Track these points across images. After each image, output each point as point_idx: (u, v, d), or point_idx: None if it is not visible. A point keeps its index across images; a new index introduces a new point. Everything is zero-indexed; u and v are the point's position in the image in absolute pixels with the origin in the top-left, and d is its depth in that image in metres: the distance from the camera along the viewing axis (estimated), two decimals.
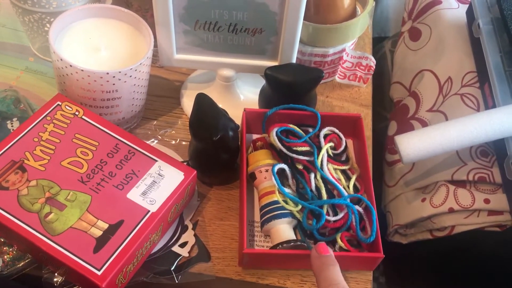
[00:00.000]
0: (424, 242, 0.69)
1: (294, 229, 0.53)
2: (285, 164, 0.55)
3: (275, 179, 0.53)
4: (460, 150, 0.64)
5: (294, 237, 0.52)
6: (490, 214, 0.61)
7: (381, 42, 0.98)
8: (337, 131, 0.58)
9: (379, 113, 0.87)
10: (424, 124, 0.72)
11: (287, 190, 0.53)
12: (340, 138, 0.58)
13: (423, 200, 0.66)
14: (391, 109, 0.84)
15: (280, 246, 0.50)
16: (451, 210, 0.62)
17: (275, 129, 0.56)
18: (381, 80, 0.89)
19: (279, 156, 0.55)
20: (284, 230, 0.52)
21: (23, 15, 0.61)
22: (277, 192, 0.53)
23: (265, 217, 0.53)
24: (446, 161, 0.67)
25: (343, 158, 0.58)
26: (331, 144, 0.57)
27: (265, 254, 0.51)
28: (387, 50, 0.96)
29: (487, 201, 0.61)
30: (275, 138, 0.55)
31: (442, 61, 0.73)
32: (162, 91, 0.67)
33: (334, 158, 0.57)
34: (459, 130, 0.60)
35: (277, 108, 0.57)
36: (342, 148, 0.58)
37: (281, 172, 0.55)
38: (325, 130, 0.58)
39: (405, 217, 0.69)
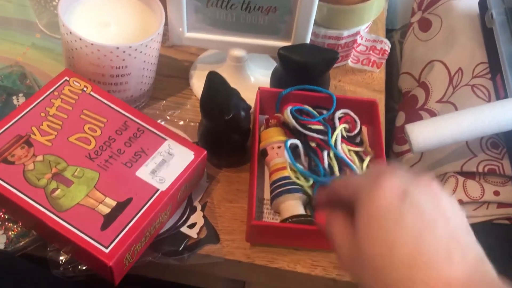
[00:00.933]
0: None
1: (305, 206, 0.52)
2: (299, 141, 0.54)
3: (288, 153, 0.52)
4: (470, 141, 0.63)
5: (304, 213, 0.51)
6: (499, 207, 0.60)
7: (390, 33, 0.97)
8: (352, 113, 0.57)
9: (387, 103, 0.86)
10: (433, 115, 0.71)
11: (300, 167, 0.52)
12: (355, 121, 0.57)
13: None
14: (399, 100, 0.83)
15: (289, 220, 0.49)
16: (460, 202, 0.62)
17: (289, 107, 0.54)
18: (389, 70, 0.88)
19: (292, 133, 0.54)
20: (293, 205, 0.51)
21: None
22: (288, 168, 0.52)
23: (275, 192, 0.52)
24: (456, 152, 0.66)
25: (357, 141, 0.57)
26: (346, 125, 0.56)
27: (273, 227, 0.50)
28: (396, 41, 0.95)
29: (496, 193, 0.60)
30: (289, 115, 0.53)
31: (453, 52, 0.73)
32: (171, 71, 0.65)
33: (348, 140, 0.55)
34: (471, 119, 0.59)
35: (292, 88, 0.56)
36: (357, 131, 0.56)
37: (294, 149, 0.54)
38: (339, 112, 0.56)
39: None
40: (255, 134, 0.55)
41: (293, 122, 0.53)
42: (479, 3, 0.72)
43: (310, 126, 0.54)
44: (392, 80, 0.86)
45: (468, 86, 0.67)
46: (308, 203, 0.52)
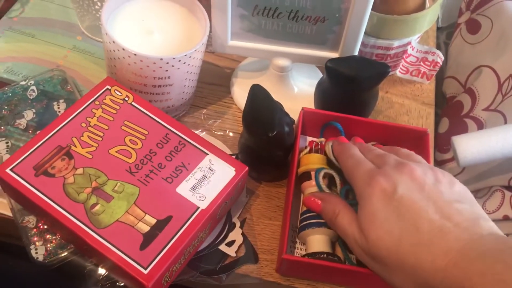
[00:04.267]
0: None
1: (333, 242, 0.49)
2: (336, 172, 0.50)
3: (316, 180, 0.49)
4: None
5: (330, 251, 0.47)
6: None
7: None
8: None
9: None
10: (479, 123, 0.68)
11: None
12: None
13: None
14: (443, 105, 0.80)
15: (316, 256, 0.46)
16: (505, 218, 0.59)
17: (333, 141, 0.51)
18: None
19: (333, 164, 0.51)
20: (320, 240, 0.47)
21: None
22: None
23: (304, 223, 0.49)
24: (503, 165, 0.63)
25: None
26: None
27: (306, 263, 0.46)
28: (441, 42, 0.91)
29: None
30: (330, 149, 0.50)
31: (504, 58, 0.69)
32: (212, 78, 0.63)
33: None
34: None
35: (336, 124, 0.53)
36: None
37: (330, 179, 0.51)
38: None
39: None
40: (294, 157, 0.52)
41: (334, 159, 0.50)
42: None
43: None
44: (436, 84, 0.83)
45: None
46: (339, 241, 0.49)
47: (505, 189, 0.61)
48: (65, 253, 0.48)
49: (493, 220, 0.58)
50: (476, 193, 0.64)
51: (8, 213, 0.51)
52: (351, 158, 0.45)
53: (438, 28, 0.95)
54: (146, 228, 0.44)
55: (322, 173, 0.49)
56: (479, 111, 0.69)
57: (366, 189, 0.41)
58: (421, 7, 0.59)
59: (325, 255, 0.46)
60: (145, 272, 0.42)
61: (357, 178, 0.43)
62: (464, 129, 0.70)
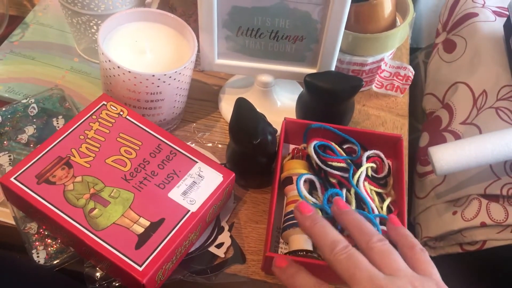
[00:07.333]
0: (454, 256, 0.68)
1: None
2: (317, 176, 0.54)
3: (297, 187, 0.52)
4: (494, 164, 0.64)
5: (310, 248, 0.51)
6: None
7: (414, 53, 0.98)
8: (382, 155, 0.57)
9: (411, 124, 0.86)
10: (457, 136, 0.71)
11: (313, 200, 0.53)
12: (384, 164, 0.57)
13: (454, 213, 0.66)
14: (423, 120, 0.84)
15: (298, 253, 0.49)
16: (483, 224, 0.62)
17: (314, 142, 0.56)
18: (413, 91, 0.89)
19: (314, 168, 0.55)
20: (301, 239, 0.51)
21: (72, 17, 0.63)
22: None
23: (286, 224, 0.53)
24: (479, 174, 0.66)
25: (382, 182, 0.56)
26: (373, 164, 0.56)
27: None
28: (420, 61, 0.96)
29: None
30: (312, 150, 0.55)
31: (477, 74, 0.73)
32: (201, 95, 0.68)
33: (372, 179, 0.55)
34: (495, 143, 0.59)
35: (318, 125, 0.57)
36: (383, 174, 0.56)
37: (311, 183, 0.55)
38: (370, 152, 0.57)
39: (435, 230, 0.68)
40: (278, 163, 0.56)
41: (315, 158, 0.54)
42: (504, 26, 0.73)
43: (331, 163, 0.54)
44: (416, 100, 0.87)
45: (493, 108, 0.68)
46: None
47: (481, 197, 0.64)
48: (65, 256, 0.51)
49: (471, 227, 0.63)
50: (455, 202, 0.68)
51: (11, 221, 0.54)
52: None
53: (418, 49, 1.00)
54: (140, 230, 0.48)
55: (302, 180, 0.54)
56: (457, 125, 0.72)
57: None
58: (392, 25, 0.65)
59: (304, 252, 0.50)
60: (140, 269, 0.45)
61: None
62: (443, 143, 0.73)
